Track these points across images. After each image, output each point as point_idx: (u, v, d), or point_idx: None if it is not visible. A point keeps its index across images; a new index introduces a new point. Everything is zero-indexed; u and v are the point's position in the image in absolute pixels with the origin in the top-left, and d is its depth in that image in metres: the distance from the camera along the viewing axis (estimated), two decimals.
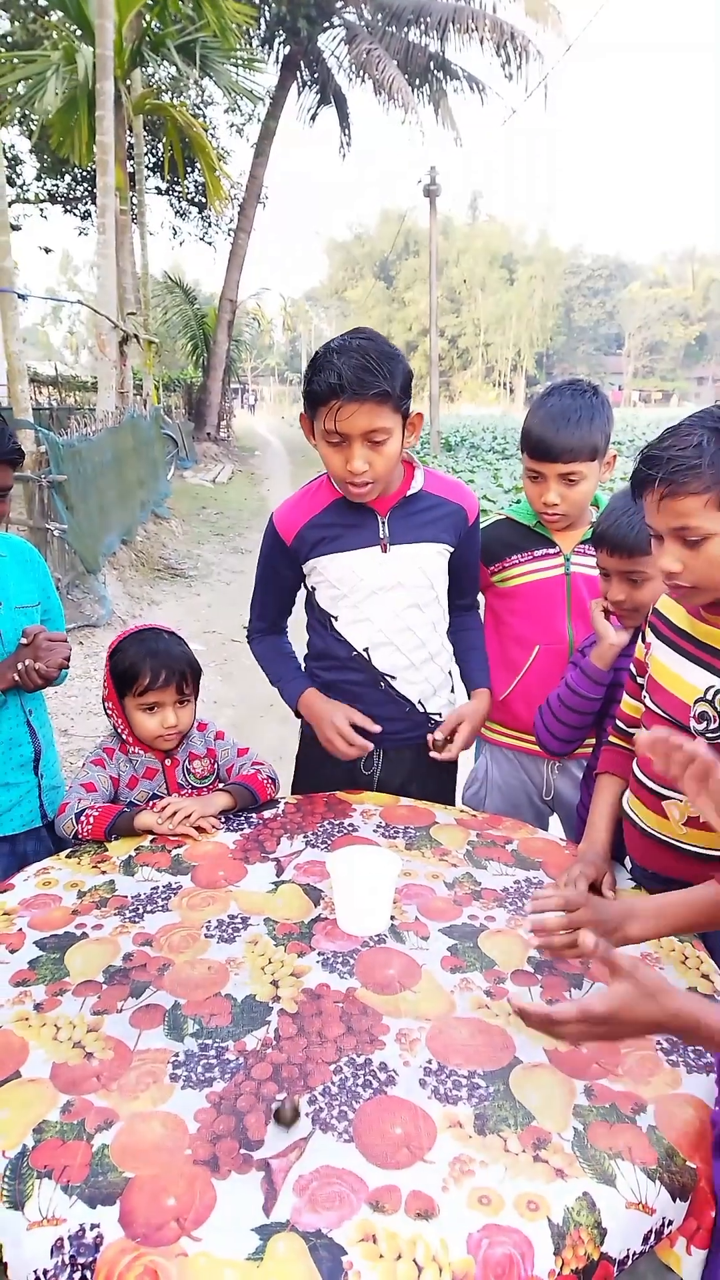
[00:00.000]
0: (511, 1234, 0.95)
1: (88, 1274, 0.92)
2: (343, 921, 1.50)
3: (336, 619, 1.94)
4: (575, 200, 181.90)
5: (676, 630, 1.51)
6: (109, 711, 1.93)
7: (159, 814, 1.82)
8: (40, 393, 14.98)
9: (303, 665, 2.09)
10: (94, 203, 17.92)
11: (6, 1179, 1.01)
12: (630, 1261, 1.00)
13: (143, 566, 8.94)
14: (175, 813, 1.81)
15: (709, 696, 1.43)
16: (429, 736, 1.96)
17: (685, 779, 1.10)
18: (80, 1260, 0.93)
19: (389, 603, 1.91)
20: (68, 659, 1.87)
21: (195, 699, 1.94)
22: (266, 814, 1.92)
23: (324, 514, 1.90)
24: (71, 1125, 1.09)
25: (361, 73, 19.61)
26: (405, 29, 19.83)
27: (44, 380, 17.70)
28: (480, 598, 2.25)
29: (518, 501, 2.20)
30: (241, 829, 1.85)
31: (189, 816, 1.81)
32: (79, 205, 19.72)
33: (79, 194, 19.34)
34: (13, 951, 1.44)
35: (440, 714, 2.05)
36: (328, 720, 1.90)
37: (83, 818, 1.79)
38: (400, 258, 68.86)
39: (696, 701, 1.45)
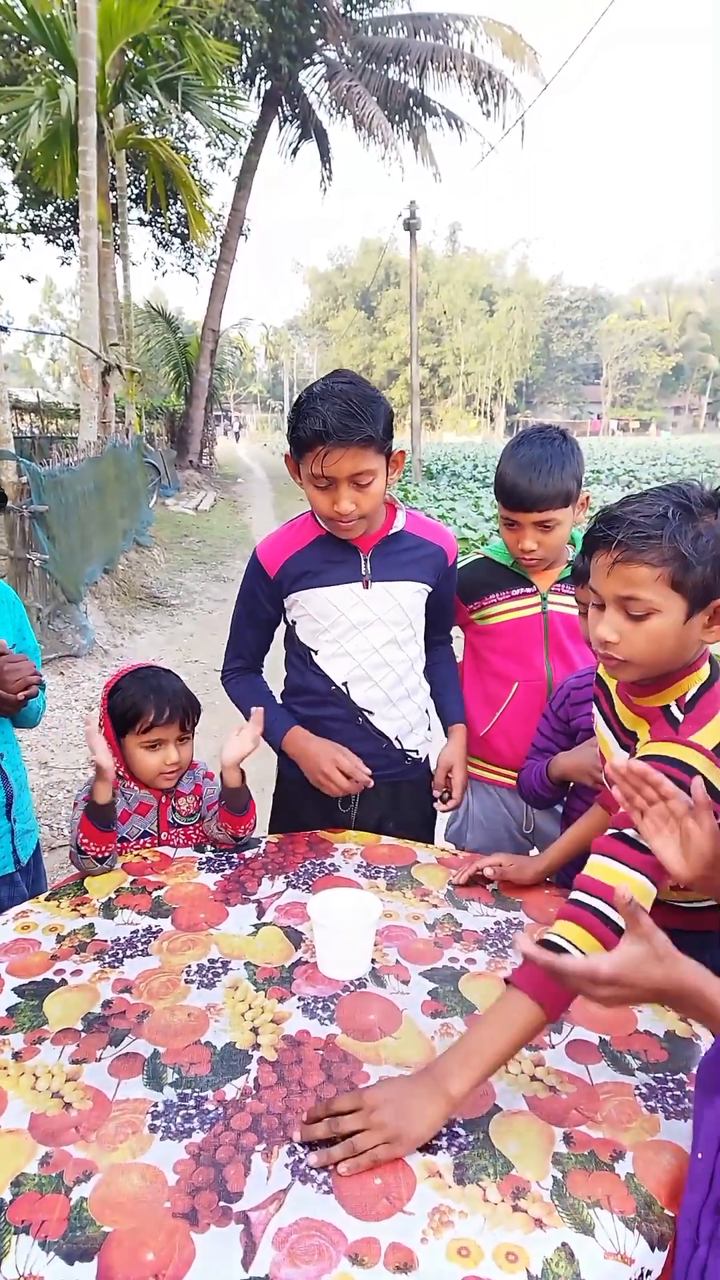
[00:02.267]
0: None
1: None
2: (323, 966, 1.50)
3: (316, 653, 1.97)
4: (553, 233, 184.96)
5: (611, 706, 1.50)
6: None
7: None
8: (22, 420, 14.98)
9: (280, 702, 2.10)
10: (76, 233, 18.03)
11: None
12: None
13: (124, 595, 8.93)
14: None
15: None
16: (435, 798, 1.97)
17: (647, 816, 1.11)
18: None
19: (369, 638, 1.94)
20: (38, 681, 1.86)
21: (192, 737, 1.95)
22: (248, 854, 1.92)
23: (308, 549, 1.93)
24: (50, 1178, 1.08)
25: (342, 109, 19.94)
26: (385, 67, 20.19)
27: (26, 407, 17.69)
28: (457, 632, 2.28)
29: (494, 538, 2.23)
30: (223, 869, 1.85)
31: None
32: (61, 235, 19.84)
33: (61, 224, 19.45)
34: None
35: (416, 750, 2.07)
36: (325, 758, 1.90)
37: (80, 842, 1.80)
38: (381, 288, 69.61)
39: None
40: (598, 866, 1.26)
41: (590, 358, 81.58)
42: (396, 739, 2.02)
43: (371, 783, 1.92)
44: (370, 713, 1.98)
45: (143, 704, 1.86)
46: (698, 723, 1.30)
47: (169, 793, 1.96)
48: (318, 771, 1.91)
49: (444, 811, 2.08)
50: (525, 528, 2.01)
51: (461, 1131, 1.16)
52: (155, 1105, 1.20)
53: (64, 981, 1.47)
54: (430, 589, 2.01)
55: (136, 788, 1.93)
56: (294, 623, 1.99)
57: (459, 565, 2.18)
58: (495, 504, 2.11)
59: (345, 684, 1.96)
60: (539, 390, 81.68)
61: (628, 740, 1.44)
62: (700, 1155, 1.04)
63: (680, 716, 1.32)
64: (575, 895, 1.25)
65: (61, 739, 5.21)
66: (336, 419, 1.68)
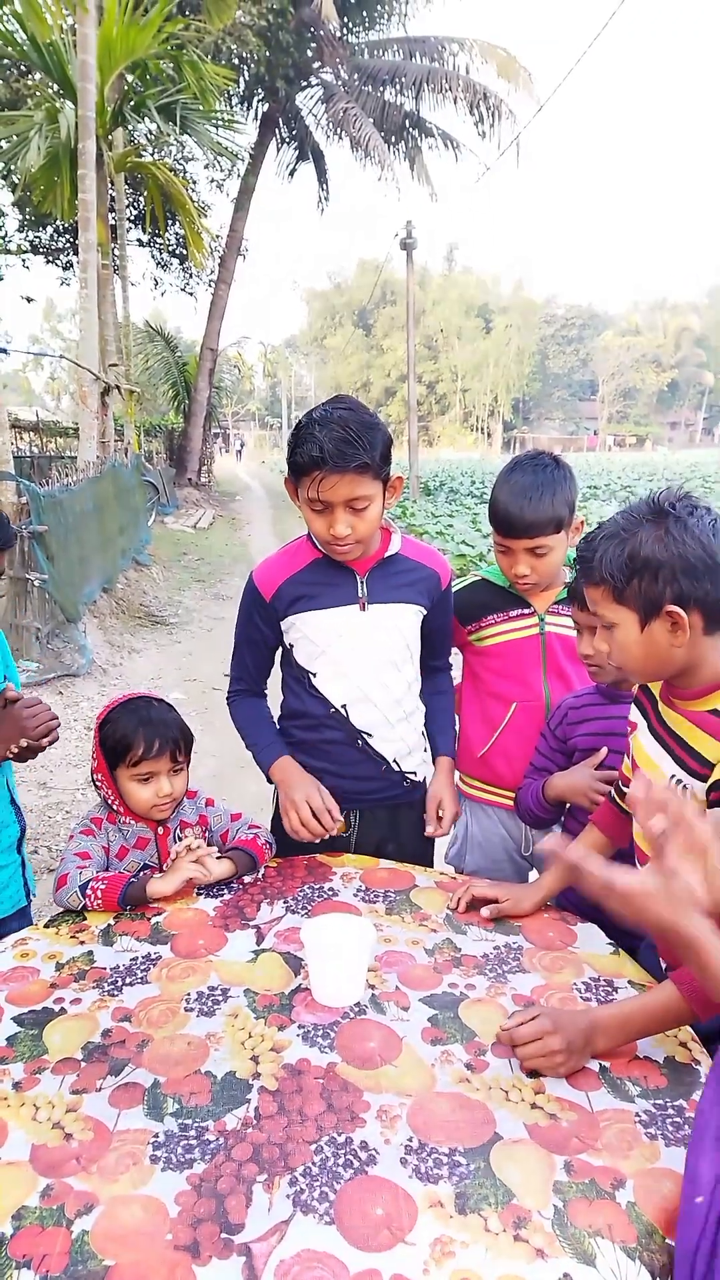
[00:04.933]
0: None
1: None
2: (317, 994, 1.50)
3: (315, 676, 1.97)
4: (549, 252, 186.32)
5: (656, 712, 1.53)
6: (98, 784, 1.91)
7: (175, 850, 1.86)
8: (21, 439, 15.03)
9: (278, 725, 2.10)
10: (75, 254, 18.15)
11: None
12: None
13: (123, 614, 8.95)
14: (190, 845, 1.85)
15: (673, 784, 1.45)
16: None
17: (670, 845, 1.11)
18: None
19: (366, 660, 1.95)
20: (58, 724, 1.87)
21: (187, 766, 1.94)
22: (246, 878, 1.92)
23: (304, 572, 1.95)
24: (51, 1211, 1.08)
25: (339, 130, 20.16)
26: (381, 89, 20.42)
27: (25, 426, 17.77)
28: (457, 656, 2.29)
29: (492, 555, 2.25)
30: (221, 895, 1.85)
31: (200, 853, 1.83)
32: (61, 256, 19.98)
33: (60, 245, 19.60)
34: None
35: (415, 772, 2.08)
36: (299, 789, 1.91)
37: (89, 890, 1.75)
38: (378, 306, 69.99)
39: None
40: None
41: (586, 374, 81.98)
42: (395, 761, 2.03)
43: (335, 830, 1.92)
44: (369, 735, 1.99)
45: (132, 737, 1.84)
46: None
47: (165, 823, 1.95)
48: (286, 800, 1.91)
49: (435, 835, 2.09)
50: (518, 553, 2.03)
51: (462, 1160, 1.16)
52: (156, 1136, 1.20)
53: (63, 1010, 1.47)
54: (425, 611, 2.02)
55: (133, 821, 1.92)
56: (291, 646, 2.00)
57: (457, 587, 2.20)
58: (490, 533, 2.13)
59: (344, 706, 1.97)
60: (536, 406, 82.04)
61: (676, 746, 1.45)
62: (700, 1199, 1.04)
63: None
64: None
65: (60, 759, 5.21)
66: (333, 445, 1.70)
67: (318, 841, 1.93)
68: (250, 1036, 1.40)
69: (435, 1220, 1.07)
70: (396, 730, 2.02)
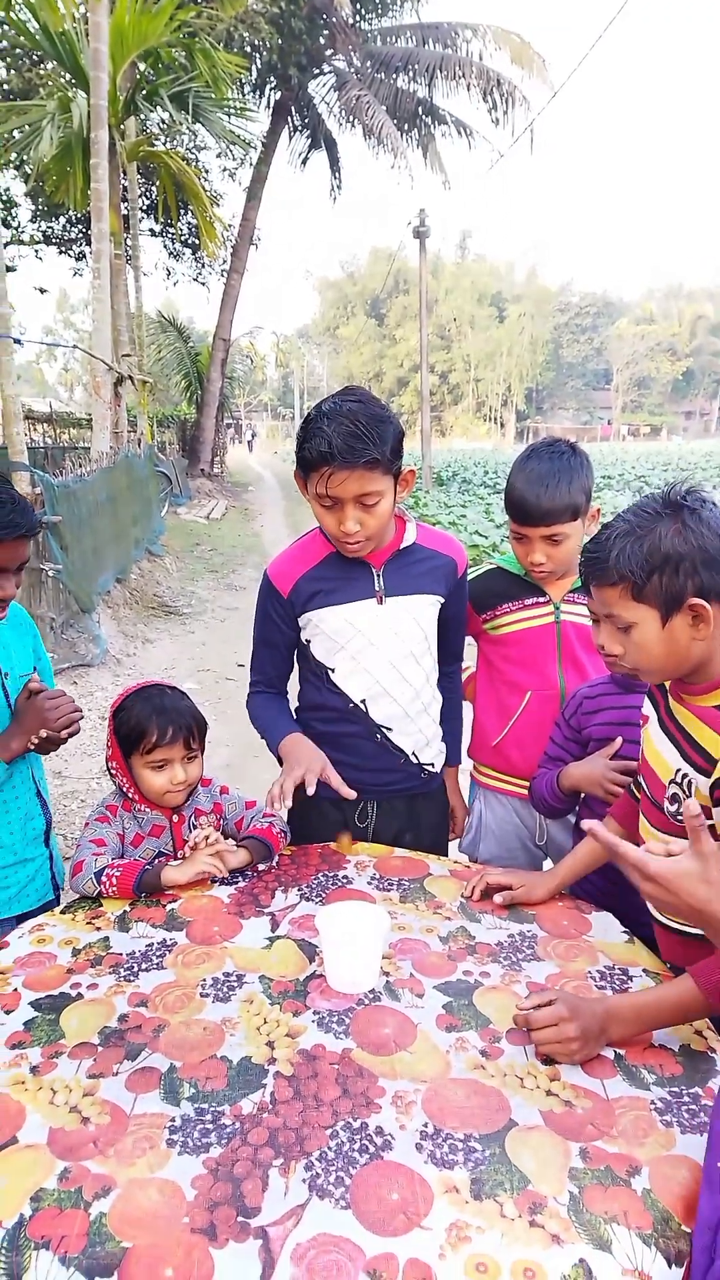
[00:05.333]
0: None
1: None
2: (332, 980, 1.50)
3: (334, 671, 1.96)
4: (563, 239, 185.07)
5: (666, 706, 1.52)
6: (113, 771, 1.92)
7: (191, 840, 1.86)
8: (35, 430, 15.08)
9: (296, 718, 2.10)
10: (88, 244, 18.14)
11: (4, 1251, 1.01)
12: None
13: (137, 604, 8.97)
14: (208, 837, 1.85)
15: (679, 779, 1.44)
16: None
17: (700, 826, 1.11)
18: None
19: (386, 654, 1.94)
20: (80, 716, 1.87)
21: (201, 753, 1.95)
22: (261, 866, 1.93)
23: (319, 567, 1.93)
24: (69, 1193, 1.09)
25: (351, 118, 20.08)
26: (394, 76, 20.32)
27: (39, 417, 17.82)
28: (472, 644, 2.29)
29: (506, 544, 2.24)
30: (236, 882, 1.86)
31: (216, 844, 1.84)
32: (73, 246, 19.98)
33: (73, 235, 19.60)
34: (8, 1012, 1.44)
35: (433, 764, 2.08)
36: (303, 764, 1.85)
37: (104, 877, 1.76)
38: (391, 296, 69.73)
39: (669, 783, 1.47)
40: None
41: (601, 363, 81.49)
42: (414, 754, 2.03)
43: (287, 806, 1.87)
44: (389, 729, 1.98)
45: (146, 724, 1.85)
46: None
47: (180, 811, 1.96)
48: (289, 771, 1.84)
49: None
50: (534, 541, 2.02)
51: (478, 1146, 1.16)
52: (173, 1120, 1.21)
53: (80, 995, 1.48)
54: (442, 600, 2.01)
55: (148, 809, 1.92)
56: (309, 642, 1.98)
57: (472, 575, 2.19)
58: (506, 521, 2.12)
59: (364, 701, 1.96)
60: (549, 396, 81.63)
61: (683, 741, 1.44)
62: None
63: None
64: None
65: (75, 748, 5.23)
66: (342, 440, 1.67)
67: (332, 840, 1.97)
68: (265, 1022, 1.41)
69: (451, 1205, 1.08)
70: (416, 724, 2.01)
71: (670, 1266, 1.04)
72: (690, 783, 1.41)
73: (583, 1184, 1.11)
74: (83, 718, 1.89)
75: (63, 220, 19.08)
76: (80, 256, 20.29)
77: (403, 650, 1.95)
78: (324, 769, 1.87)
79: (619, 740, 1.88)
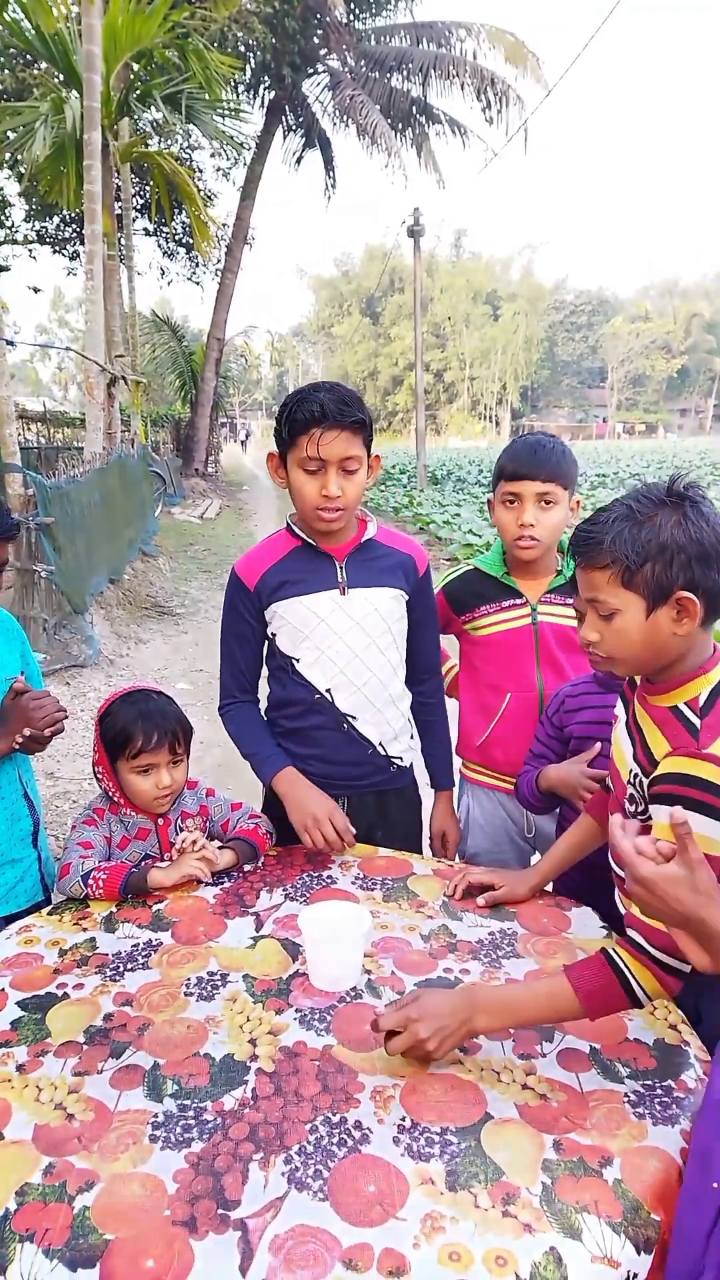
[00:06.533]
0: None
1: None
2: (315, 978, 1.53)
3: (298, 661, 2.01)
4: (558, 237, 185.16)
5: (632, 715, 1.52)
6: (99, 775, 1.95)
7: (179, 843, 1.89)
8: (29, 429, 15.06)
9: (266, 718, 2.14)
10: (82, 243, 18.14)
11: None
12: None
13: (130, 605, 8.98)
14: (196, 842, 1.88)
15: (633, 779, 1.46)
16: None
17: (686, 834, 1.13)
18: None
19: (349, 644, 1.99)
20: (64, 715, 1.90)
21: (187, 758, 1.97)
22: (247, 866, 1.95)
23: (285, 560, 2.00)
24: (53, 1188, 1.11)
25: (345, 117, 20.07)
26: (388, 75, 20.32)
27: (32, 417, 17.79)
28: (453, 644, 2.32)
29: (482, 553, 2.28)
30: (222, 883, 1.88)
31: (203, 849, 1.87)
32: (67, 246, 19.97)
33: (67, 235, 19.58)
34: None
35: (401, 758, 2.12)
36: (321, 810, 1.92)
37: (91, 879, 1.79)
38: (386, 294, 69.79)
39: (627, 783, 1.48)
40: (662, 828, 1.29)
41: (595, 361, 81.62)
42: (380, 744, 2.06)
43: (354, 844, 1.97)
44: (354, 718, 2.02)
45: (132, 729, 1.87)
46: (716, 730, 1.31)
47: (166, 814, 1.98)
48: (308, 818, 1.92)
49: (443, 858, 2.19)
50: (526, 501, 2.05)
51: (454, 1139, 1.19)
52: (155, 1116, 1.23)
53: (66, 995, 1.51)
54: (406, 595, 2.06)
55: (134, 813, 1.95)
56: (275, 635, 2.03)
57: (449, 576, 2.25)
58: (493, 497, 2.15)
59: (329, 690, 2.01)
60: (544, 394, 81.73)
61: (638, 738, 1.45)
62: (717, 1185, 1.06)
63: (696, 721, 1.34)
64: (634, 937, 1.32)
65: (67, 749, 5.25)
66: (333, 404, 1.81)
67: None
68: (248, 1020, 1.44)
69: (426, 1197, 1.10)
70: (382, 714, 2.05)
71: (639, 1253, 1.07)
72: (641, 783, 1.43)
73: (555, 1175, 1.14)
74: (67, 717, 1.92)
75: (56, 220, 19.07)
76: (74, 256, 20.27)
77: (365, 640, 2.00)
78: (333, 813, 1.92)
79: (598, 746, 1.90)
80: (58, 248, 20.14)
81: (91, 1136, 1.20)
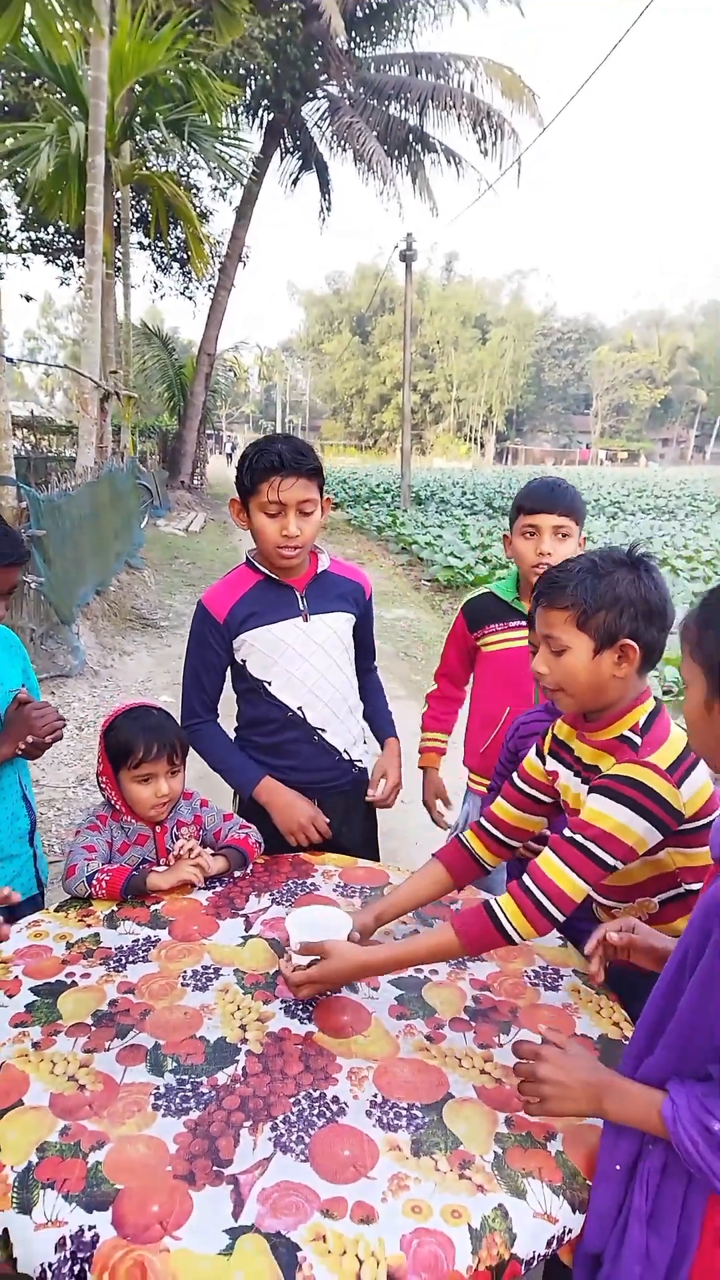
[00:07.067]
0: (437, 1236, 1.16)
1: (86, 1267, 1.11)
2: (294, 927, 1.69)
3: (270, 684, 2.23)
4: (547, 266, 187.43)
5: (573, 756, 1.71)
6: (103, 786, 2.11)
7: (176, 850, 2.08)
8: (15, 435, 15.11)
9: (236, 735, 2.36)
10: (75, 254, 18.30)
11: (15, 1189, 1.20)
12: (535, 1262, 1.20)
13: (115, 617, 9.11)
14: (192, 850, 2.07)
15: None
16: (370, 793, 2.31)
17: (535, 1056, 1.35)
18: (80, 1256, 1.12)
19: (314, 665, 2.24)
20: (63, 724, 2.07)
21: (183, 769, 2.14)
22: (237, 873, 2.12)
23: (250, 594, 2.22)
24: (69, 1146, 1.28)
25: (343, 143, 20.41)
26: (386, 103, 20.68)
27: (19, 422, 17.84)
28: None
29: (502, 578, 2.53)
30: (214, 887, 2.05)
31: (198, 856, 2.05)
32: (61, 255, 20.10)
33: (61, 245, 19.72)
34: (10, 996, 1.63)
35: (360, 760, 2.38)
36: (305, 815, 2.22)
37: (94, 880, 1.96)
38: (376, 314, 70.27)
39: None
40: (549, 863, 1.51)
41: (581, 388, 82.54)
42: (345, 751, 2.33)
43: (323, 838, 2.26)
44: (324, 730, 2.28)
45: (134, 741, 2.05)
46: (653, 745, 1.54)
47: (163, 822, 2.15)
48: (293, 823, 2.22)
49: (373, 800, 2.38)
50: (544, 533, 2.27)
51: (419, 1114, 1.37)
52: (157, 1088, 1.40)
53: (74, 983, 1.67)
54: (355, 618, 2.33)
55: (133, 820, 2.12)
56: (244, 661, 2.25)
57: (468, 597, 2.56)
58: (510, 532, 2.38)
59: (300, 708, 2.25)
60: (530, 418, 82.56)
61: (588, 775, 1.65)
62: (619, 1167, 1.24)
63: (637, 740, 1.57)
64: (525, 881, 1.51)
65: (52, 757, 5.38)
66: (290, 454, 2.08)
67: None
68: (239, 1009, 1.61)
69: (393, 1161, 1.28)
70: (344, 724, 2.32)
71: (574, 1212, 1.25)
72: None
73: (506, 1145, 1.32)
74: (65, 726, 2.09)
75: (51, 229, 19.21)
76: (68, 265, 20.39)
77: (327, 660, 2.26)
78: (315, 818, 2.23)
79: None
80: (51, 257, 20.27)
81: (101, 1104, 1.36)
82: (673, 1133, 1.13)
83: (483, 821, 1.82)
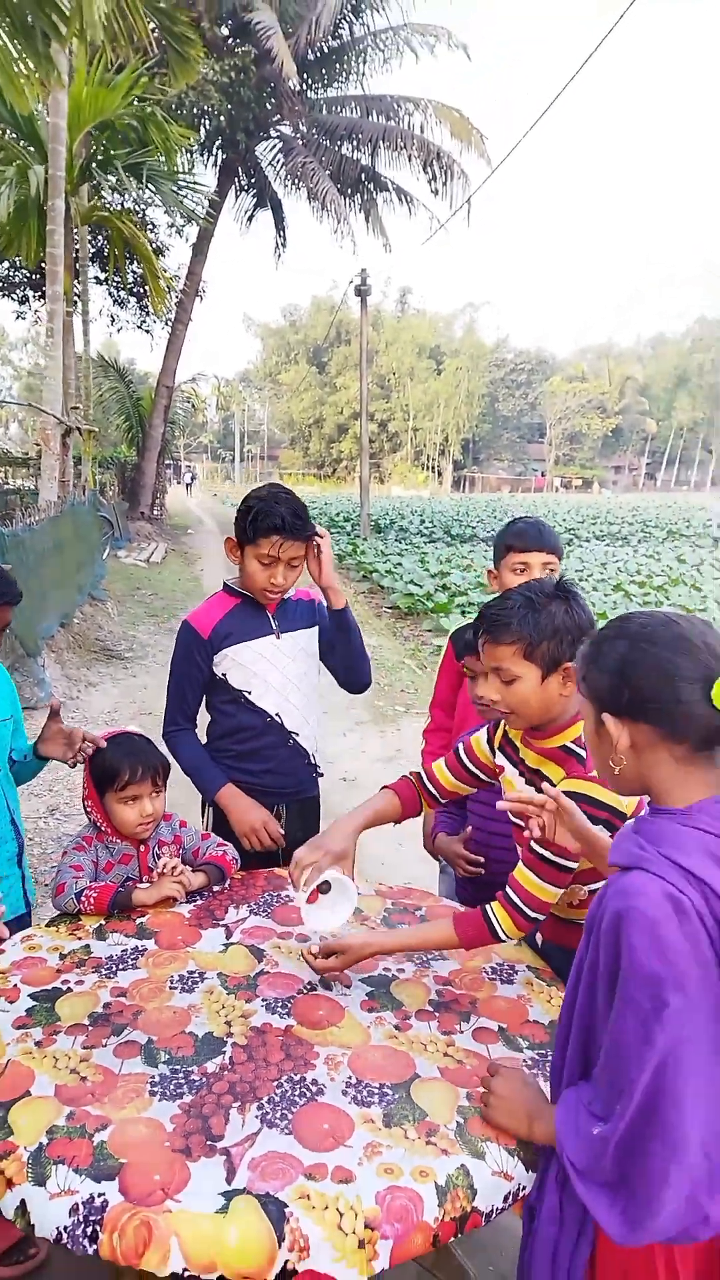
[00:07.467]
0: (408, 1192, 1.32)
1: (97, 1229, 1.25)
2: (308, 919, 1.90)
3: (250, 693, 2.48)
4: (499, 299, 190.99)
5: (519, 757, 1.93)
6: (88, 809, 2.26)
7: (159, 868, 2.22)
8: None
9: (210, 745, 2.57)
10: (34, 289, 18.43)
11: (30, 1165, 1.34)
12: (494, 1214, 1.37)
13: (80, 649, 9.19)
14: (174, 867, 2.21)
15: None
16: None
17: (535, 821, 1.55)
18: (91, 1219, 1.26)
19: (287, 675, 2.51)
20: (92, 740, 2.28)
21: (165, 791, 2.30)
22: (216, 887, 2.27)
23: (230, 615, 2.49)
24: (75, 1128, 1.42)
25: (297, 182, 20.85)
26: (338, 143, 21.19)
27: None
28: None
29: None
30: (195, 900, 2.20)
31: (180, 873, 2.20)
32: (17, 290, 20.21)
33: (17, 279, 19.84)
34: (11, 1002, 1.76)
35: (319, 765, 2.65)
36: (258, 821, 2.45)
37: (83, 897, 2.10)
38: (332, 345, 71.10)
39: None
40: (525, 877, 1.73)
41: (534, 417, 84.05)
42: (312, 754, 2.59)
43: (279, 844, 2.49)
44: (297, 734, 2.53)
45: (119, 765, 2.21)
46: None
47: (145, 841, 2.30)
48: (247, 826, 2.46)
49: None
50: (534, 568, 2.48)
51: (389, 1092, 1.53)
52: (153, 1078, 1.55)
53: (70, 989, 1.81)
54: (318, 627, 2.60)
55: (118, 840, 2.26)
56: (224, 675, 2.49)
57: (459, 625, 2.75)
58: (497, 573, 2.59)
59: (278, 714, 2.49)
60: (485, 447, 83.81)
61: (533, 777, 1.87)
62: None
63: (581, 753, 1.78)
64: (509, 892, 1.74)
65: (23, 789, 5.46)
66: (291, 518, 2.34)
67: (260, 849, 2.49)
68: (224, 1007, 1.76)
69: (367, 1131, 1.44)
70: (312, 728, 2.59)
71: (527, 1171, 1.41)
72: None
73: (466, 1116, 1.48)
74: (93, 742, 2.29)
75: (7, 265, 19.33)
76: (24, 300, 20.51)
77: (298, 670, 2.53)
78: (268, 823, 2.47)
79: (469, 829, 2.40)
80: (7, 291, 20.38)
81: (102, 1093, 1.50)
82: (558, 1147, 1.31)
83: (423, 776, 2.07)
